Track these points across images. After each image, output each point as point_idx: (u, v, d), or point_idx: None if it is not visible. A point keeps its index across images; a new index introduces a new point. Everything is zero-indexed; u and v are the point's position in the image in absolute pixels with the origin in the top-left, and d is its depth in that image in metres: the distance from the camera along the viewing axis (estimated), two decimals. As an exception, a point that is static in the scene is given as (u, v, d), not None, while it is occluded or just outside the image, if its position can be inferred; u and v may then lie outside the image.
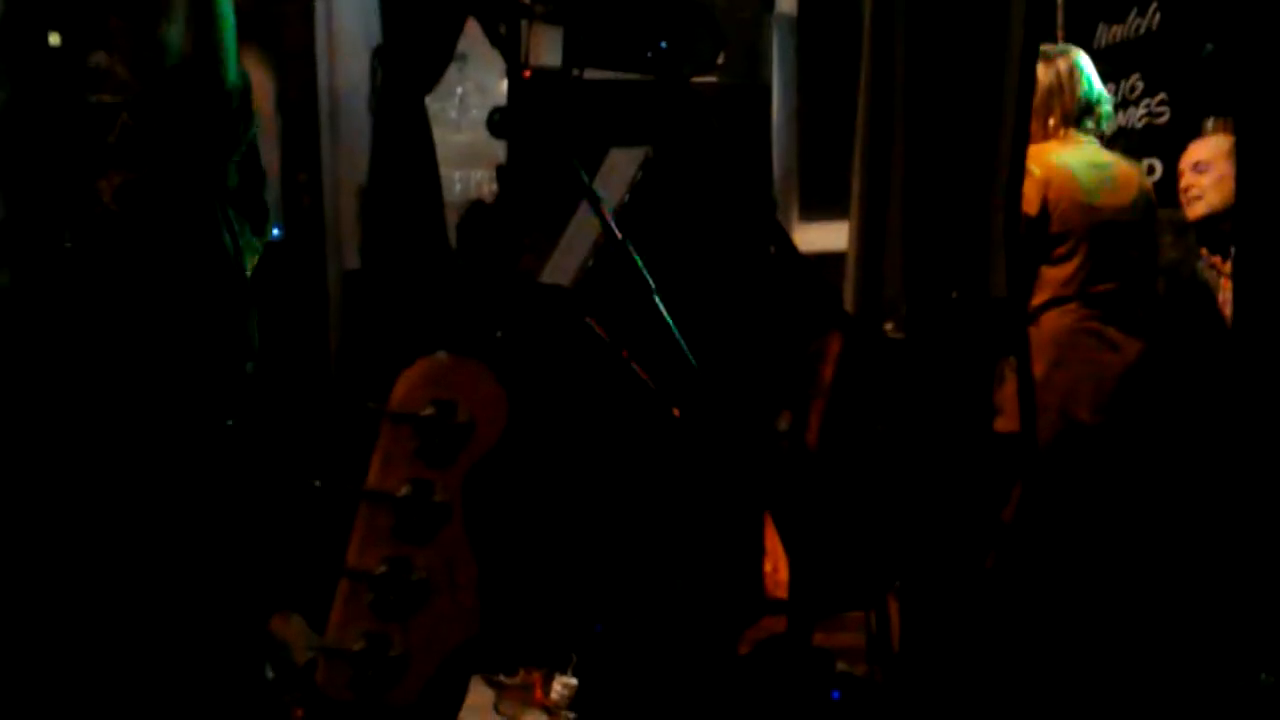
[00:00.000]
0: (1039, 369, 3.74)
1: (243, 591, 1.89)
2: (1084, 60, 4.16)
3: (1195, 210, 4.28)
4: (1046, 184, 3.91)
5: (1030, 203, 3.84)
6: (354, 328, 5.08)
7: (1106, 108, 4.20)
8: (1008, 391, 3.22)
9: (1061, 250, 3.96)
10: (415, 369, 1.40)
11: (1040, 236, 3.93)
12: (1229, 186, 4.22)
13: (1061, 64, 4.10)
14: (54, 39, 4.38)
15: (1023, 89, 2.74)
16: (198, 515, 2.97)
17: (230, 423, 3.17)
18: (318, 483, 1.83)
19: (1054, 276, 3.95)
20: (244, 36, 3.65)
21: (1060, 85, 4.07)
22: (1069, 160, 4.00)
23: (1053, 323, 3.94)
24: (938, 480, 2.73)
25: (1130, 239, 4.09)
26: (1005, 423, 3.25)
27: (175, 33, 3.15)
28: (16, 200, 2.85)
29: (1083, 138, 4.09)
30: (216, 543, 2.91)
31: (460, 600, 1.41)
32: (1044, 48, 4.15)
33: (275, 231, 3.69)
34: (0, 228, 2.98)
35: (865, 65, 2.96)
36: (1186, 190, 4.31)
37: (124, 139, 3.17)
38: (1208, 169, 4.28)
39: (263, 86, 4.46)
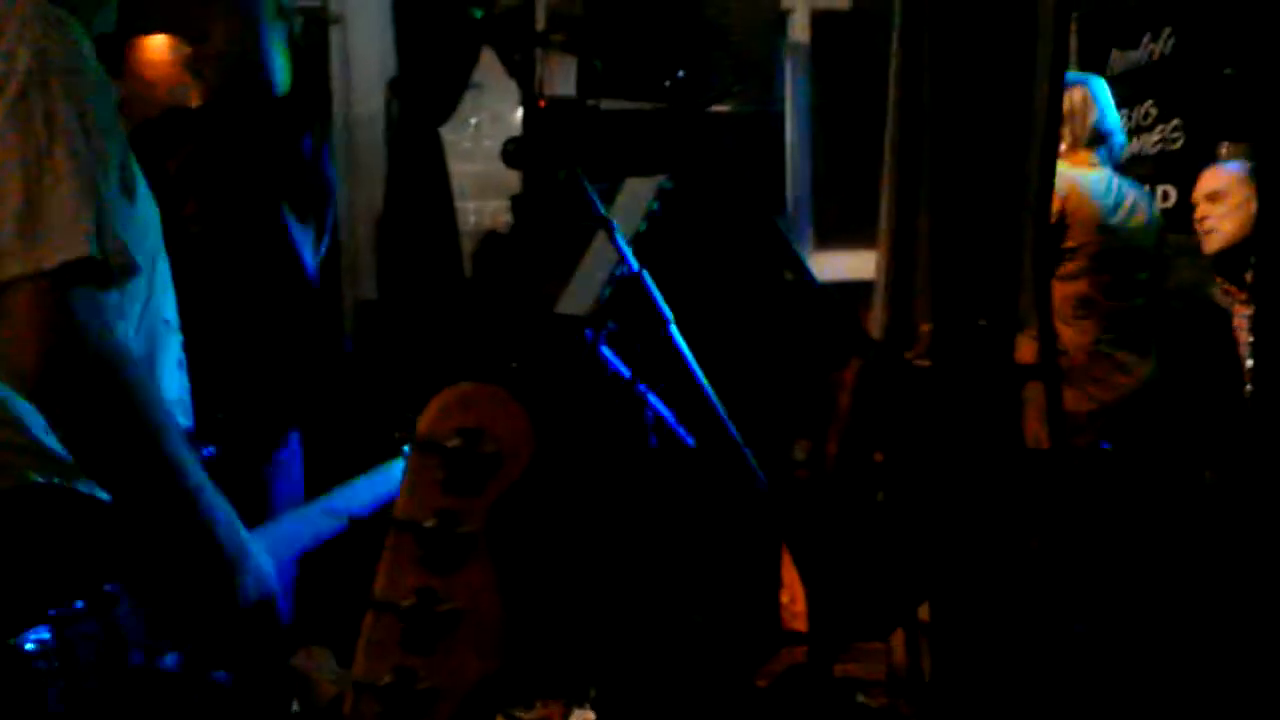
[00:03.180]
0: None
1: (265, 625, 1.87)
2: (1102, 89, 4.17)
3: (1212, 243, 4.28)
4: (1064, 196, 3.91)
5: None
6: (370, 358, 5.08)
7: (1120, 138, 4.23)
8: (1029, 416, 3.21)
9: (1072, 266, 3.97)
10: (442, 398, 1.39)
11: (1053, 248, 3.92)
12: (1243, 215, 4.22)
13: (1076, 93, 4.12)
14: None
15: (1050, 113, 2.74)
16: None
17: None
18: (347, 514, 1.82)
19: (1065, 292, 3.95)
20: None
21: (1073, 113, 4.10)
22: (1085, 177, 4.02)
23: (1064, 341, 3.93)
24: (964, 507, 2.72)
25: (1141, 262, 4.11)
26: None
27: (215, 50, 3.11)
28: None
29: (1094, 159, 4.11)
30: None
31: (486, 633, 1.39)
32: None
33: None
34: None
35: (892, 91, 2.96)
36: (1201, 222, 4.31)
37: (187, 162, 3.16)
38: (1221, 199, 4.28)
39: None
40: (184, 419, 1.99)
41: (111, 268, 1.73)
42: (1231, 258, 4.25)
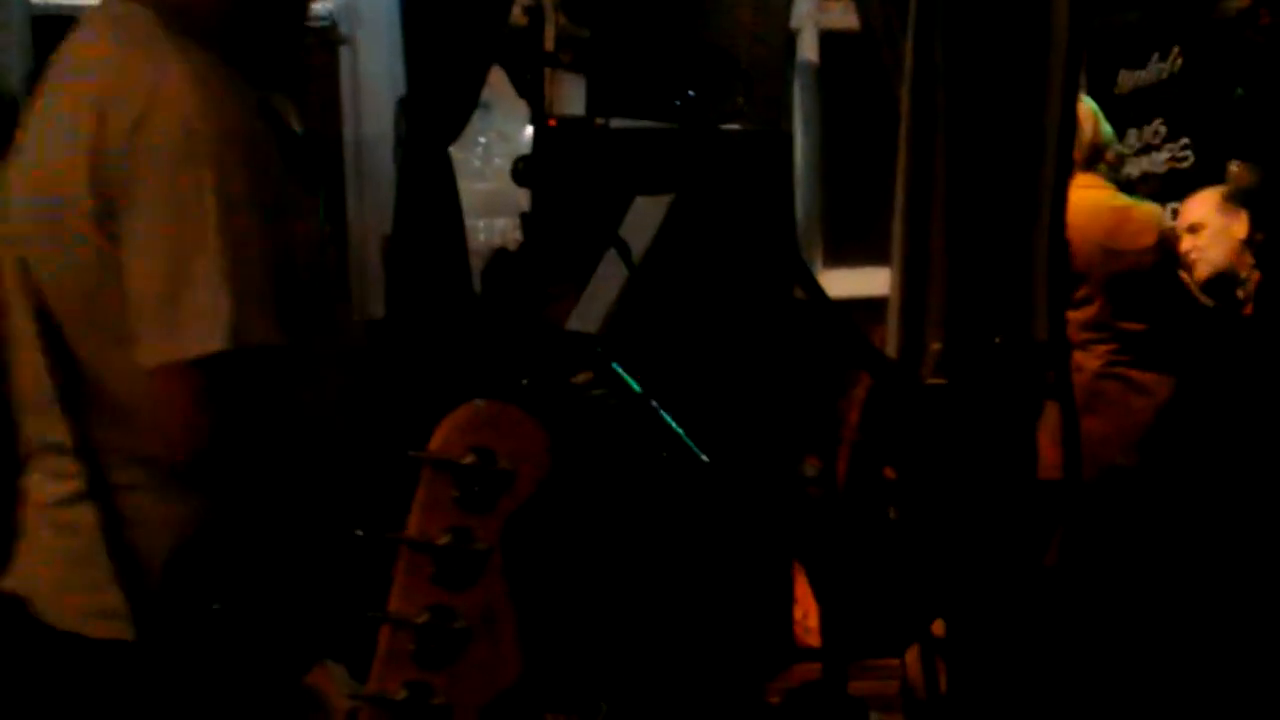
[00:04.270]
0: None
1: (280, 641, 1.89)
2: (1091, 105, 4.16)
3: (1200, 273, 4.27)
4: (1069, 222, 3.90)
5: None
6: (380, 376, 5.08)
7: (1118, 148, 4.21)
8: (1042, 440, 3.20)
9: (1082, 292, 3.94)
10: (455, 416, 1.39)
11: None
12: (1226, 240, 4.22)
13: None
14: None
15: (1064, 132, 2.74)
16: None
17: None
18: (359, 531, 1.83)
19: (1075, 319, 3.93)
20: (269, 88, 3.65)
21: None
22: (1089, 202, 4.00)
23: (1077, 364, 3.91)
24: (979, 525, 2.72)
25: (1153, 281, 4.08)
26: (1041, 469, 3.23)
27: None
28: None
29: (1098, 180, 4.09)
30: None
31: (500, 648, 1.40)
32: None
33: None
34: None
35: (905, 110, 2.96)
36: (1187, 254, 4.29)
37: None
38: (1201, 229, 4.26)
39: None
40: None
41: (250, 353, 1.73)
42: (1221, 283, 4.24)
